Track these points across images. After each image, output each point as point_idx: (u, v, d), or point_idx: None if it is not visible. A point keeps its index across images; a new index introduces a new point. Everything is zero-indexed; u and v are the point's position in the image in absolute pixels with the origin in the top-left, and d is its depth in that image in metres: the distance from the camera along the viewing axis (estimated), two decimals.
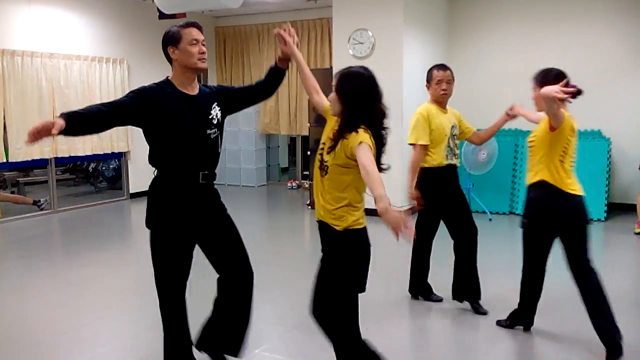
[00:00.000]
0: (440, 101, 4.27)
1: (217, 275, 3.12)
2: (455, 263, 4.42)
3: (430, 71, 4.27)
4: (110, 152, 8.76)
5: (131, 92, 2.91)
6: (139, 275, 5.16)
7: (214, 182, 3.11)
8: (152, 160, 2.98)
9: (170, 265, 2.98)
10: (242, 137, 10.55)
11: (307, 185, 9.33)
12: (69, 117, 2.61)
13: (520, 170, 7.87)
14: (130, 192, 9.18)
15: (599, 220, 7.22)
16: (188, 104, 2.95)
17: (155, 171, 3.00)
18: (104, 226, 7.44)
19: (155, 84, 2.98)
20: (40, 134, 2.47)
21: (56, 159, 8.16)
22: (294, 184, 10.44)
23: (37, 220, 7.78)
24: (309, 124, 8.64)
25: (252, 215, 8.30)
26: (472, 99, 8.56)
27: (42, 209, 8.08)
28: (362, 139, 2.52)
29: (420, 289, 4.52)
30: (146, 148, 2.97)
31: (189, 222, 2.96)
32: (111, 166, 10.01)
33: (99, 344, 3.71)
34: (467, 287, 4.29)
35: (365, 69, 2.70)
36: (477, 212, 7.78)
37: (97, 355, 3.55)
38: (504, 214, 7.75)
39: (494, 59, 8.39)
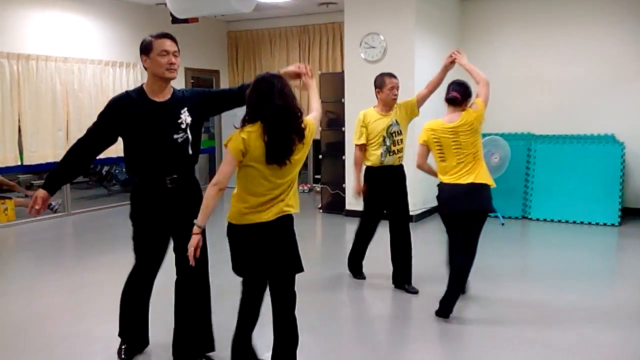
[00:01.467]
0: (391, 105, 4.63)
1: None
2: (391, 255, 4.80)
3: (382, 78, 4.60)
4: (123, 155, 8.82)
5: (101, 112, 3.16)
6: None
7: (189, 184, 3.26)
8: (127, 167, 3.27)
9: (141, 255, 3.35)
10: None
11: (318, 189, 9.33)
12: (48, 183, 3.04)
13: (533, 175, 7.83)
14: None
15: (612, 225, 7.16)
16: (155, 111, 3.10)
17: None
18: (117, 229, 7.47)
19: (126, 92, 3.22)
20: (35, 211, 3.00)
21: None
22: (305, 188, 10.45)
23: (51, 223, 7.84)
24: (320, 128, 8.64)
25: None
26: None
27: (55, 212, 8.15)
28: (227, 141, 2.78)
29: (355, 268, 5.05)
30: None
31: (158, 222, 3.21)
32: (124, 169, 10.07)
33: (111, 345, 3.72)
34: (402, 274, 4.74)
35: (263, 74, 2.89)
36: (489, 216, 7.73)
37: (110, 357, 3.57)
38: (517, 218, 7.70)
39: (505, 63, 8.35)
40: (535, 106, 8.22)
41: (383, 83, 4.58)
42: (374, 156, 4.63)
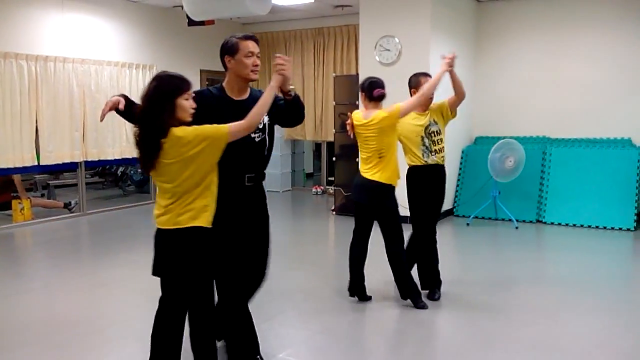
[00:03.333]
0: (427, 104, 4.54)
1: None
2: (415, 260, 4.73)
3: (417, 78, 4.55)
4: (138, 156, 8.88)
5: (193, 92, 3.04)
6: None
7: (261, 183, 3.32)
8: None
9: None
10: None
11: (332, 191, 9.33)
12: (128, 99, 2.96)
13: (548, 178, 7.78)
14: None
15: (628, 229, 7.10)
16: (234, 108, 3.08)
17: None
18: (132, 229, 7.53)
19: (208, 88, 3.23)
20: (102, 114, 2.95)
21: (86, 162, 8.29)
22: (318, 190, 10.47)
23: (67, 223, 7.93)
24: (334, 130, 8.66)
25: (277, 220, 8.30)
26: (498, 105, 8.52)
27: (71, 211, 8.23)
28: None
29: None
30: None
31: (234, 222, 3.15)
32: (139, 170, 10.15)
33: (126, 344, 3.76)
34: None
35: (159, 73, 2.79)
36: (503, 220, 7.71)
37: (125, 356, 3.60)
38: (531, 222, 7.66)
39: (520, 66, 8.32)
40: (551, 109, 8.17)
41: (418, 83, 4.50)
42: (413, 155, 4.56)
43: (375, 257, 4.63)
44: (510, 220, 7.54)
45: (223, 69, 3.20)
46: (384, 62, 7.52)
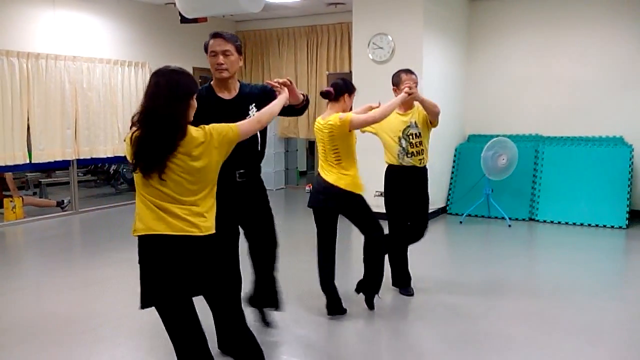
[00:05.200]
0: (409, 103, 4.47)
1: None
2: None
3: (398, 75, 4.45)
4: None
5: None
6: None
7: (256, 178, 3.35)
8: None
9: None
10: None
11: None
12: None
13: (541, 176, 7.81)
14: None
15: (620, 227, 7.13)
16: (222, 107, 3.13)
17: None
18: (124, 227, 7.49)
19: (201, 88, 3.17)
20: None
21: (78, 160, 8.26)
22: (311, 188, 10.44)
23: (59, 221, 7.89)
24: None
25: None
26: (491, 103, 8.54)
27: (64, 210, 8.20)
28: None
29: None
30: None
31: (229, 215, 3.18)
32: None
33: (117, 343, 3.75)
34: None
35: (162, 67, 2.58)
36: (496, 218, 7.73)
37: (116, 355, 3.59)
38: (523, 220, 7.68)
39: (513, 63, 8.34)
40: (544, 108, 8.20)
41: (400, 80, 4.42)
42: (391, 154, 4.53)
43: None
44: (502, 218, 7.56)
45: None
46: (377, 60, 7.52)
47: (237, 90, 3.25)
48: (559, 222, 7.50)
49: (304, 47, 10.30)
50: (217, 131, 2.52)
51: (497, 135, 7.81)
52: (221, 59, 3.14)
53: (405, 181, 4.54)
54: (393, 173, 4.57)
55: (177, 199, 2.46)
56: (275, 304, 3.76)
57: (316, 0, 8.86)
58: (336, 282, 4.24)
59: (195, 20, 7.09)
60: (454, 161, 8.42)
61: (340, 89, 4.13)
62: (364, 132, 4.58)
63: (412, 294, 4.64)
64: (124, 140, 2.51)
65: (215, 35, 3.15)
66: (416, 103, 4.47)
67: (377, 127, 4.45)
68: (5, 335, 3.93)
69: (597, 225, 7.27)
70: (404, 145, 4.47)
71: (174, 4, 5.94)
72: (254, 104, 3.23)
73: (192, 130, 2.45)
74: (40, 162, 7.74)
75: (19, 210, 7.70)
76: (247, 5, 5.45)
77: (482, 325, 4.08)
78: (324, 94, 4.12)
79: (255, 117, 2.79)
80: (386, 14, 7.49)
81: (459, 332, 3.96)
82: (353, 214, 4.18)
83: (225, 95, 3.22)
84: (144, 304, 2.52)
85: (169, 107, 2.38)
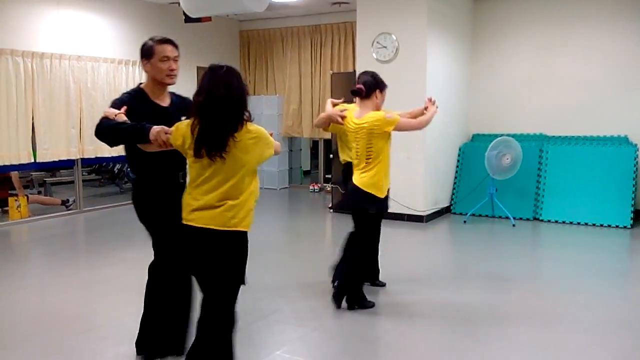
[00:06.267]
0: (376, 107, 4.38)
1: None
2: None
3: (382, 80, 4.38)
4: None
5: (112, 103, 3.10)
6: None
7: None
8: (132, 167, 3.26)
9: (163, 250, 3.24)
10: None
11: (329, 189, 9.33)
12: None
13: (545, 176, 7.79)
14: None
15: (624, 227, 7.11)
16: (160, 115, 3.10)
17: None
18: (128, 226, 7.51)
19: (129, 94, 3.18)
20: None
21: (82, 159, 8.28)
22: (315, 187, 10.46)
23: (63, 220, 7.91)
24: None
25: (273, 218, 8.33)
26: (495, 102, 8.52)
27: (68, 208, 8.22)
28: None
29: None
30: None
31: (175, 216, 3.00)
32: None
33: (120, 343, 3.75)
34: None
35: (215, 64, 2.75)
36: (500, 217, 7.72)
37: (119, 354, 3.59)
38: (528, 219, 7.67)
39: (517, 64, 8.32)
40: (548, 107, 8.18)
41: (385, 85, 4.42)
42: (349, 151, 4.53)
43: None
44: (507, 217, 7.54)
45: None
46: (381, 60, 7.51)
47: (170, 99, 3.25)
48: (564, 222, 7.48)
49: (307, 46, 10.31)
50: (259, 129, 2.69)
51: (501, 135, 7.80)
52: (173, 64, 3.16)
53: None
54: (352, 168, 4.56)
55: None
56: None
57: (320, 0, 8.86)
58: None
59: (199, 20, 7.11)
60: (458, 160, 8.40)
61: (371, 85, 4.16)
62: (327, 130, 4.66)
63: (384, 285, 4.83)
64: (175, 128, 2.71)
65: (167, 41, 3.17)
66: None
67: (344, 128, 4.34)
68: (9, 333, 3.94)
69: (601, 225, 7.25)
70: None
71: (178, 3, 5.95)
72: (184, 117, 3.18)
73: (248, 124, 2.64)
74: (45, 161, 7.77)
75: (24, 209, 7.72)
76: (251, 5, 5.45)
77: (486, 324, 4.07)
78: (355, 92, 4.14)
79: None
80: (390, 13, 7.48)
81: (463, 331, 3.96)
82: (360, 216, 4.26)
83: (162, 103, 3.20)
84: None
85: (236, 100, 2.60)
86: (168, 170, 3.19)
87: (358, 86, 4.14)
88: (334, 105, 4.53)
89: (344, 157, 4.88)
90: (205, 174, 2.64)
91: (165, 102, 3.24)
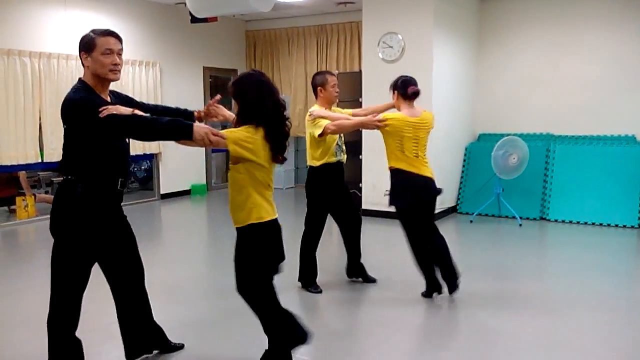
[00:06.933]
0: (333, 102, 4.75)
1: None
2: (346, 249, 4.99)
3: (322, 75, 4.66)
4: (142, 153, 8.87)
5: (89, 105, 2.88)
6: (168, 275, 5.24)
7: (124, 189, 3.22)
8: (70, 166, 2.96)
9: (72, 275, 3.18)
10: None
11: None
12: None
13: (552, 175, 7.76)
14: (161, 192, 9.29)
15: (632, 227, 7.08)
16: None
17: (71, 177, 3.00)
18: (135, 226, 7.46)
19: (81, 92, 2.91)
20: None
21: None
22: None
23: None
24: None
25: (279, 217, 8.32)
26: (501, 101, 8.50)
27: None
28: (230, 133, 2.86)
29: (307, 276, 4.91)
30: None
31: (99, 231, 3.07)
32: (142, 167, 10.15)
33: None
34: (356, 266, 4.96)
35: (255, 70, 3.08)
36: (506, 217, 7.70)
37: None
38: (534, 219, 7.64)
39: (524, 63, 8.29)
40: (555, 106, 8.15)
41: (326, 81, 4.63)
42: (330, 153, 4.66)
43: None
44: (513, 217, 7.53)
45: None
46: (387, 59, 7.51)
47: (109, 95, 3.07)
48: (570, 222, 7.46)
49: (313, 46, 10.31)
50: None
51: (508, 134, 7.78)
52: (117, 59, 2.94)
53: (340, 176, 4.82)
54: (330, 168, 4.70)
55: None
56: None
57: (326, 0, 8.87)
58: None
59: (205, 20, 7.13)
60: (464, 160, 8.39)
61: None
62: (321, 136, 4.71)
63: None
64: (241, 141, 2.84)
65: (111, 33, 2.94)
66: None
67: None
68: (17, 332, 3.96)
69: (608, 225, 7.22)
70: (340, 143, 4.75)
71: (185, 3, 5.97)
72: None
73: None
74: (52, 161, 7.80)
75: (32, 208, 7.76)
76: (257, 5, 5.46)
77: (491, 324, 4.06)
78: (418, 94, 4.41)
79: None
80: (396, 13, 7.48)
81: (468, 331, 3.95)
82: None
83: (107, 98, 3.02)
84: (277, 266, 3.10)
85: (278, 100, 2.94)
86: (112, 175, 3.05)
87: (417, 89, 4.40)
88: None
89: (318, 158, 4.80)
90: (270, 177, 2.99)
91: (108, 98, 3.04)
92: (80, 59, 2.96)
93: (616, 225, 7.18)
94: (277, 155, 2.93)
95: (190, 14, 6.26)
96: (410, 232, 4.45)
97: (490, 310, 4.32)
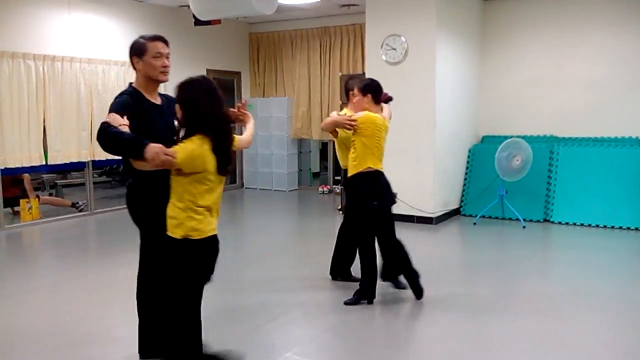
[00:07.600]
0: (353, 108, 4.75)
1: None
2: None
3: (354, 80, 4.79)
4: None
5: (112, 106, 3.03)
6: None
7: None
8: (128, 169, 3.09)
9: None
10: (274, 141, 10.63)
11: (338, 191, 9.34)
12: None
13: (556, 177, 7.75)
14: None
15: (636, 229, 7.06)
16: (157, 114, 3.11)
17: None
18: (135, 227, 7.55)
19: (128, 94, 3.11)
20: None
21: (93, 161, 8.32)
22: (325, 189, 10.47)
23: (74, 222, 7.96)
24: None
25: (283, 219, 8.34)
26: (505, 103, 8.49)
27: (80, 211, 8.27)
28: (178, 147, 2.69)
29: (341, 272, 4.99)
30: None
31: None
32: None
33: (131, 345, 3.76)
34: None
35: (204, 77, 2.87)
36: (510, 219, 7.69)
37: (130, 357, 3.61)
38: (538, 221, 7.63)
39: (527, 64, 8.28)
40: (558, 108, 8.14)
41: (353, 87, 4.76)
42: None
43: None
44: (517, 219, 7.51)
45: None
46: (390, 62, 7.51)
47: (159, 97, 3.22)
48: (574, 224, 7.44)
49: (317, 48, 10.32)
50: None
51: (512, 136, 7.77)
52: (166, 61, 3.15)
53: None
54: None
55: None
56: None
57: (329, 2, 8.87)
58: None
59: (208, 23, 7.12)
60: (467, 162, 8.38)
61: None
62: (335, 138, 5.00)
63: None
64: (189, 154, 2.69)
65: (160, 38, 3.16)
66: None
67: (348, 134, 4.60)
68: (20, 335, 3.97)
69: (612, 227, 7.20)
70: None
71: (188, 6, 5.98)
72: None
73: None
74: (56, 163, 7.83)
75: (35, 211, 7.78)
76: (260, 7, 5.47)
77: (495, 325, 4.06)
78: (392, 99, 4.65)
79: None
80: (399, 15, 7.48)
81: (472, 332, 3.95)
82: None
83: (156, 101, 3.17)
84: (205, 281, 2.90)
85: (222, 108, 2.79)
86: (163, 172, 3.05)
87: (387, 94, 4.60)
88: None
89: (345, 163, 4.88)
90: (218, 190, 2.84)
91: (158, 100, 3.21)
92: (132, 63, 3.18)
93: (620, 228, 7.16)
94: (224, 167, 2.81)
95: (194, 16, 6.27)
96: (382, 232, 4.50)
97: (494, 312, 4.32)
